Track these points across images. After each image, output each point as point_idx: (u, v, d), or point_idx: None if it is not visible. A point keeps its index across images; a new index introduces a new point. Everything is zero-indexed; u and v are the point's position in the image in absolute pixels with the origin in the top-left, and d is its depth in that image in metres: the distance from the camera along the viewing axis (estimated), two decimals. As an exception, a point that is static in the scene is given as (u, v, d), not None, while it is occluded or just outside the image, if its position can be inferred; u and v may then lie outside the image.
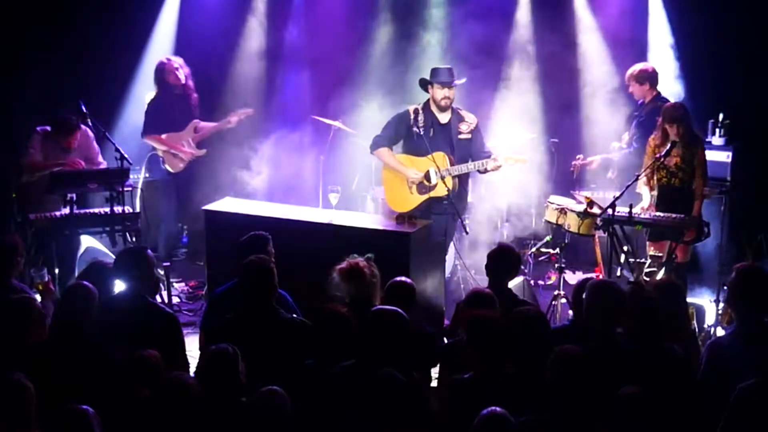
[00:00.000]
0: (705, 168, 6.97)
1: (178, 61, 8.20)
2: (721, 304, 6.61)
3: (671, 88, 8.27)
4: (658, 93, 7.69)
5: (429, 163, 6.89)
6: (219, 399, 3.99)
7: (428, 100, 6.99)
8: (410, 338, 4.43)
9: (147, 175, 8.29)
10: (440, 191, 6.90)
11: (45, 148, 7.21)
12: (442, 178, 6.81)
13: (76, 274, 6.40)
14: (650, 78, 7.67)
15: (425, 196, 6.96)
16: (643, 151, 7.28)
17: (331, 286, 5.22)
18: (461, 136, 6.98)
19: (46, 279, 6.15)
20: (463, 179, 7.04)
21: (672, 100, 7.62)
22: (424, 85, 7.00)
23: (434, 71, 6.96)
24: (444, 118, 6.98)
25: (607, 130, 8.22)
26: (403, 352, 4.34)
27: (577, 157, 7.87)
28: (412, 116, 6.96)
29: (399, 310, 4.43)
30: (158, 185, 8.37)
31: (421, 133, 6.88)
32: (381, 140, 7.05)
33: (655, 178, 7.02)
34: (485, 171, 6.98)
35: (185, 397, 3.87)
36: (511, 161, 7.00)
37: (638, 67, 7.72)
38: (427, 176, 6.95)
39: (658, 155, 6.85)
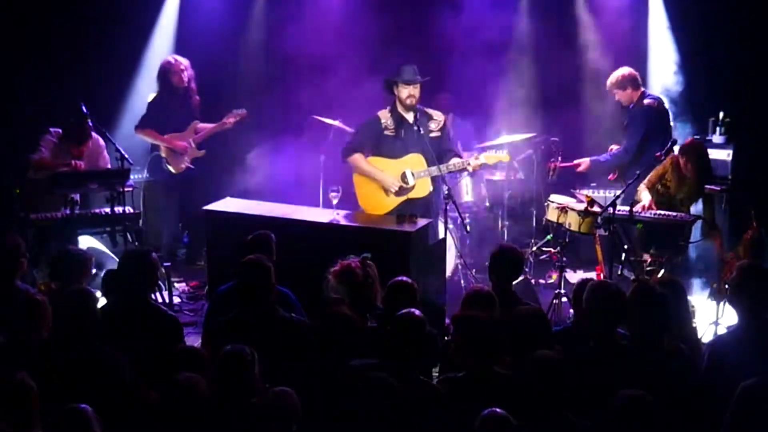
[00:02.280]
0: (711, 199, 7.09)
1: (184, 63, 8.15)
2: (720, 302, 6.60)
3: (672, 86, 8.27)
4: (644, 92, 7.69)
5: (403, 165, 6.91)
6: (231, 399, 3.97)
7: (394, 101, 6.97)
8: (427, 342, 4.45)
9: (148, 175, 8.27)
10: (419, 192, 6.92)
11: (55, 150, 7.22)
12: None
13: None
14: (630, 81, 7.65)
15: (402, 198, 6.95)
16: (632, 150, 7.33)
17: (327, 288, 5.22)
18: (432, 134, 6.96)
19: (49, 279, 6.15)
20: (436, 180, 6.99)
21: (665, 97, 7.66)
22: (389, 85, 6.95)
23: (398, 69, 6.93)
24: (411, 117, 6.94)
25: (608, 129, 8.22)
26: (422, 355, 4.36)
27: (552, 159, 7.84)
28: (383, 120, 6.96)
29: (420, 314, 4.42)
30: (160, 186, 8.34)
31: (395, 136, 6.89)
32: (353, 147, 7.02)
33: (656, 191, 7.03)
34: (464, 170, 6.99)
35: (194, 397, 3.86)
36: (494, 159, 7.04)
37: (615, 75, 7.69)
38: (403, 178, 6.94)
39: (657, 153, 6.86)
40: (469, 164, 6.91)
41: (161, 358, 4.26)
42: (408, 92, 6.85)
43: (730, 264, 6.38)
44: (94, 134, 7.28)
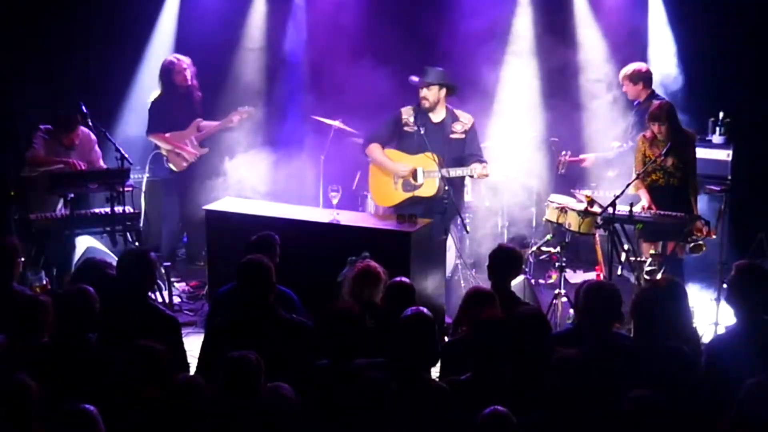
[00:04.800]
0: (694, 165, 6.98)
1: (186, 61, 8.19)
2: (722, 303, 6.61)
3: (671, 86, 8.27)
4: (653, 92, 7.69)
5: (416, 162, 6.98)
6: (236, 404, 3.97)
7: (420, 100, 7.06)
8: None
9: (149, 174, 8.28)
10: (425, 191, 6.97)
11: (47, 145, 7.24)
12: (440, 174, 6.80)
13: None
14: (644, 78, 7.66)
15: (409, 194, 7.03)
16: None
17: (341, 291, 5.22)
18: (454, 136, 7.03)
19: (44, 282, 6.14)
20: (455, 182, 7.03)
21: (667, 98, 7.63)
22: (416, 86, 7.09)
23: (423, 71, 7.06)
24: (437, 117, 7.05)
25: (608, 129, 8.22)
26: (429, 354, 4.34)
27: (563, 153, 7.85)
28: (404, 116, 7.05)
29: (429, 313, 4.40)
30: (162, 184, 8.38)
31: (413, 132, 6.94)
32: (373, 137, 7.17)
33: (650, 178, 6.99)
34: (471, 176, 7.05)
35: (192, 398, 3.86)
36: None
37: (632, 67, 7.71)
38: (413, 174, 7.00)
39: (657, 154, 6.85)
40: (473, 172, 6.92)
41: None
42: (422, 94, 7.00)
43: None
44: (84, 129, 7.28)
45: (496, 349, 4.21)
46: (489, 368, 4.21)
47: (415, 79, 7.07)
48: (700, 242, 6.81)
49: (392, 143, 7.19)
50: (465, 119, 7.11)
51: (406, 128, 7.05)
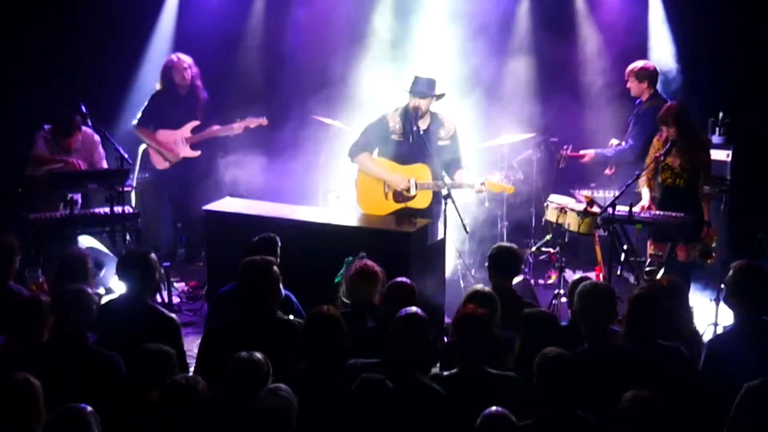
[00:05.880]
0: (707, 171, 6.98)
1: (187, 61, 8.16)
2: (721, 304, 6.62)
3: (671, 86, 8.27)
4: (656, 91, 7.68)
5: (409, 173, 6.84)
6: (240, 405, 3.97)
7: (407, 104, 6.84)
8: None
9: (140, 174, 8.24)
10: (418, 203, 6.84)
11: (49, 145, 7.25)
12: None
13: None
14: (650, 77, 7.66)
15: (401, 205, 6.86)
16: (638, 148, 7.31)
17: (343, 293, 5.22)
18: (441, 143, 6.85)
19: (41, 280, 6.14)
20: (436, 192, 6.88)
21: (669, 99, 7.63)
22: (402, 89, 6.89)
23: (413, 79, 6.82)
24: (423, 123, 6.82)
25: (608, 129, 8.22)
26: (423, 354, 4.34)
27: (564, 147, 7.83)
28: (391, 123, 6.85)
29: (422, 313, 4.40)
30: (151, 184, 8.35)
31: (400, 140, 6.82)
32: (360, 147, 6.91)
33: (659, 178, 7.00)
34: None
35: (192, 398, 3.86)
36: (498, 189, 7.00)
37: (640, 64, 7.71)
38: (407, 186, 6.89)
39: (657, 154, 6.86)
40: (473, 187, 6.82)
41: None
42: (414, 103, 6.74)
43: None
44: (88, 129, 7.28)
45: (477, 344, 4.23)
46: (470, 365, 4.24)
47: (406, 90, 6.80)
48: (710, 249, 6.82)
49: (378, 150, 6.96)
50: (449, 124, 6.89)
51: (393, 136, 6.83)
